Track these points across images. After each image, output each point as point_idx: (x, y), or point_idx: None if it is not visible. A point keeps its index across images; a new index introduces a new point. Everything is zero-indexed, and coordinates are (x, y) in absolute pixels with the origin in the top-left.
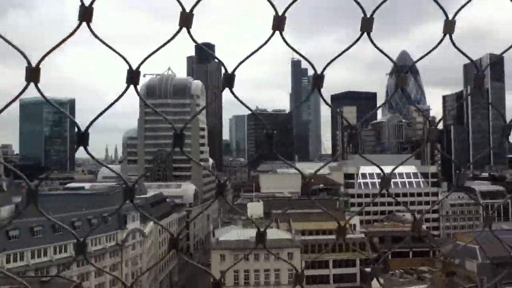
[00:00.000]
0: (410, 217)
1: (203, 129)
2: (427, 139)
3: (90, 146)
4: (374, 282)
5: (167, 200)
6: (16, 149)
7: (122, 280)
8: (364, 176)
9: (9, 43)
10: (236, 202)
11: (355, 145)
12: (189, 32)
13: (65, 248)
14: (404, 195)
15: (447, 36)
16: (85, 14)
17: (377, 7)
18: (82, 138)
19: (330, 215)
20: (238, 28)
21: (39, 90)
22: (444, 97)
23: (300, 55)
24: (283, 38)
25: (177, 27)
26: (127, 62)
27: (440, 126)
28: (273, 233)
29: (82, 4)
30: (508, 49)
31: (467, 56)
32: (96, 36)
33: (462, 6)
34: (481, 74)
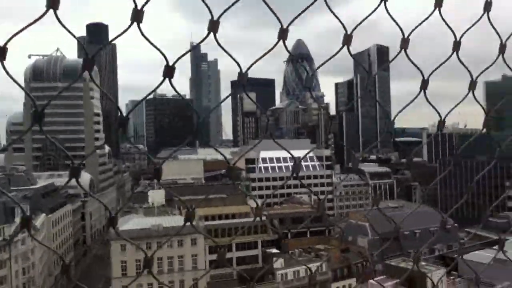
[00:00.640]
0: (308, 199)
1: (98, 115)
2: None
3: None
4: (277, 263)
5: (59, 190)
6: None
7: None
8: (264, 160)
9: None
10: (136, 190)
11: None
12: (55, 14)
13: None
14: (302, 177)
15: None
16: None
17: None
18: None
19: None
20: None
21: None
22: (336, 85)
23: (160, 51)
24: (140, 30)
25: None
26: None
27: (333, 112)
28: (175, 220)
29: None
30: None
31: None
32: None
33: None
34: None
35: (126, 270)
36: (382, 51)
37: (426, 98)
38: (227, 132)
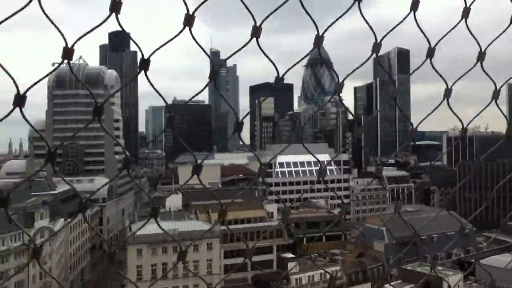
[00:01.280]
0: (324, 203)
1: (117, 121)
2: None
3: None
4: (289, 266)
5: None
6: None
7: None
8: (281, 165)
9: None
10: (153, 195)
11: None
12: (117, 18)
13: None
14: (319, 182)
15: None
16: None
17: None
18: None
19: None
20: (155, 18)
21: None
22: (355, 88)
23: (204, 51)
24: (192, 35)
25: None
26: (63, 37)
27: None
28: (192, 225)
29: None
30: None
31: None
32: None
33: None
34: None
35: (141, 274)
36: (403, 54)
37: (449, 107)
38: (245, 137)
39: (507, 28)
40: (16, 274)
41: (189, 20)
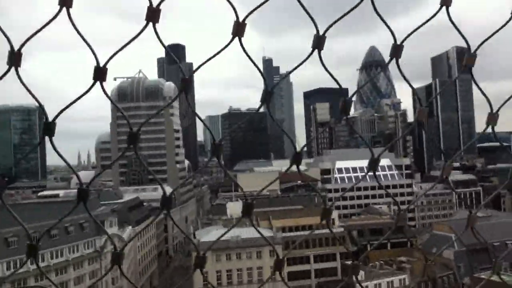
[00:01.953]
0: (386, 209)
1: (177, 131)
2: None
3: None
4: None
5: (144, 204)
6: None
7: None
8: (340, 171)
9: None
10: (214, 202)
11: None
12: (154, 28)
13: (43, 257)
14: (380, 187)
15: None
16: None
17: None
18: (49, 128)
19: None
20: (207, 28)
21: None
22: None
23: (256, 66)
24: (241, 45)
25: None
26: (95, 56)
27: (411, 119)
28: (254, 231)
29: None
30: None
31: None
32: (73, 23)
33: None
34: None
35: (206, 280)
36: (462, 53)
37: None
38: (301, 144)
39: None
40: (100, 279)
41: (238, 29)
